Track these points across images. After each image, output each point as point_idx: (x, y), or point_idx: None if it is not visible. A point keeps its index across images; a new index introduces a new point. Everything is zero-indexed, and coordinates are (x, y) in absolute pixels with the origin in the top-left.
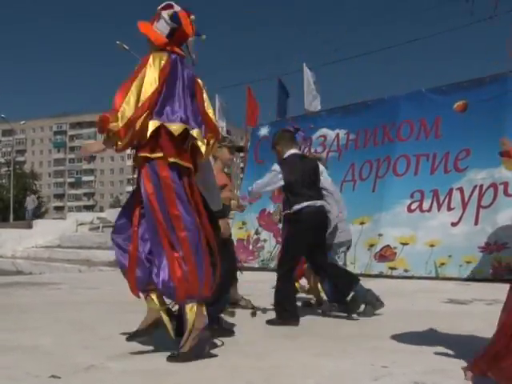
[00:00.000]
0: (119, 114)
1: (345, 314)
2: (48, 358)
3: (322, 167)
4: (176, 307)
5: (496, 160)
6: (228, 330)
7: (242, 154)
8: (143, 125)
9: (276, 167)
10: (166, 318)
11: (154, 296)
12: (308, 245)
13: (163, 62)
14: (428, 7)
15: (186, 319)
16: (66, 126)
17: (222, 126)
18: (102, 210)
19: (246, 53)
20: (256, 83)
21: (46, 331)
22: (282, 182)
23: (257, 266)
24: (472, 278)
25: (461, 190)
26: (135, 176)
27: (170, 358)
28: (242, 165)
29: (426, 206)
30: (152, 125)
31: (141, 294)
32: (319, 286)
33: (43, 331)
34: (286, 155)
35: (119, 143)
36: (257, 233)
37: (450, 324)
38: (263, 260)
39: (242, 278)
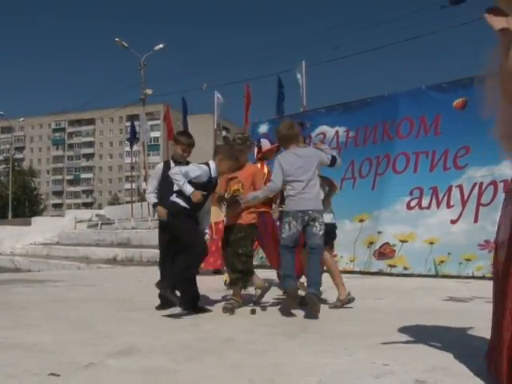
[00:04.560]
0: None
1: (346, 314)
2: (47, 355)
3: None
4: None
5: (496, 158)
6: None
7: None
8: None
9: None
10: None
11: None
12: None
13: None
14: (429, 5)
15: None
16: (64, 124)
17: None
18: (100, 207)
19: (246, 50)
20: (256, 80)
21: (45, 329)
22: None
23: (255, 263)
24: (472, 276)
25: (460, 187)
26: (133, 173)
27: None
28: None
29: (425, 203)
30: None
31: None
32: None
33: (42, 329)
34: None
35: None
36: None
37: (450, 322)
38: (262, 257)
39: None
